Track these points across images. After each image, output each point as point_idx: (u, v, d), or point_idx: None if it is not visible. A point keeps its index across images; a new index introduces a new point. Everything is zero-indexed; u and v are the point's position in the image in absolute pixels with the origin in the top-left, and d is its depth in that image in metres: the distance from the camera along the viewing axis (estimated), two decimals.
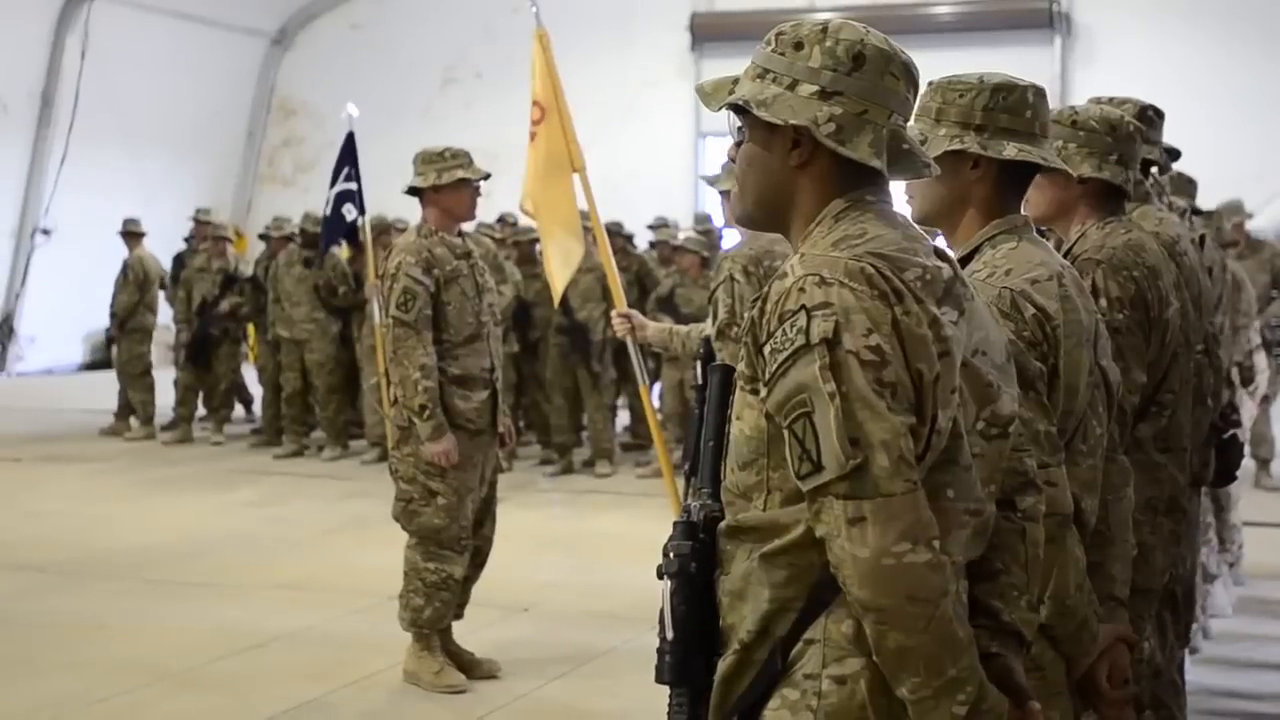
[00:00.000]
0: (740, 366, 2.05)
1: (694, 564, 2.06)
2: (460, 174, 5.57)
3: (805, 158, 2.07)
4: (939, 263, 2.05)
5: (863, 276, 1.94)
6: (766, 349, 1.96)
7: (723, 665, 2.05)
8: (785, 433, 1.94)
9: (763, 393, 1.98)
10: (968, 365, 2.06)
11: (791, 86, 2.05)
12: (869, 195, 2.08)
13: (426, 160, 5.62)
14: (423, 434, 5.42)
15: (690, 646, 2.06)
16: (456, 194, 5.61)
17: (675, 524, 2.10)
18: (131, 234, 12.79)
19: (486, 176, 5.67)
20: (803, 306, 1.93)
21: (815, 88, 2.04)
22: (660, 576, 2.08)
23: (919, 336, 1.95)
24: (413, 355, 5.42)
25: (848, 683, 1.96)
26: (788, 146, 2.08)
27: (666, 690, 2.11)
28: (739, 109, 2.11)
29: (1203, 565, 6.21)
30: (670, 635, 2.06)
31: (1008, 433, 2.15)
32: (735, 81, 2.11)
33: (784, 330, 1.94)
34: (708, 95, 2.13)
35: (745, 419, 2.03)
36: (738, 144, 2.15)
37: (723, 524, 2.07)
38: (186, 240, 13.89)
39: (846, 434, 1.88)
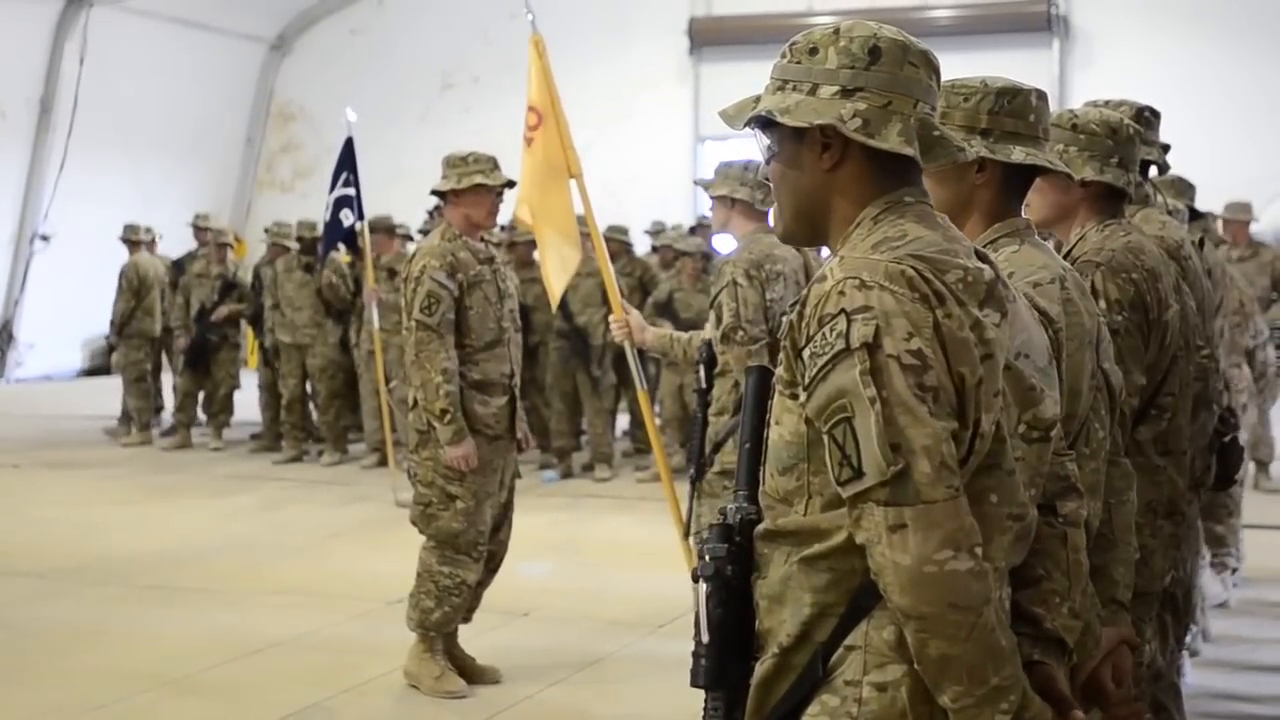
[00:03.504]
0: (779, 371, 2.03)
1: (730, 567, 2.04)
2: (478, 179, 5.56)
3: (836, 159, 2.06)
4: (980, 264, 2.03)
5: (903, 279, 1.92)
6: (806, 353, 1.94)
7: (760, 669, 2.03)
8: (825, 438, 1.92)
9: (802, 397, 1.96)
10: (1010, 368, 2.03)
11: (812, 91, 2.04)
12: (907, 196, 2.06)
13: (450, 164, 5.61)
14: (442, 438, 5.41)
15: (726, 650, 2.04)
16: (475, 199, 5.59)
17: (711, 526, 2.08)
18: (132, 241, 12.79)
19: (510, 184, 5.65)
20: (842, 310, 1.91)
21: (836, 88, 2.03)
22: (695, 579, 2.06)
23: (961, 340, 1.93)
24: (435, 359, 5.41)
25: (889, 690, 1.93)
26: (818, 151, 2.06)
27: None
28: (765, 124, 2.10)
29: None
30: (705, 638, 2.04)
31: (1049, 436, 2.12)
32: (757, 100, 2.10)
33: (824, 334, 1.92)
34: (732, 117, 2.12)
35: (784, 424, 2.01)
36: (768, 162, 2.14)
37: (760, 527, 2.05)
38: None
39: (888, 440, 1.86)
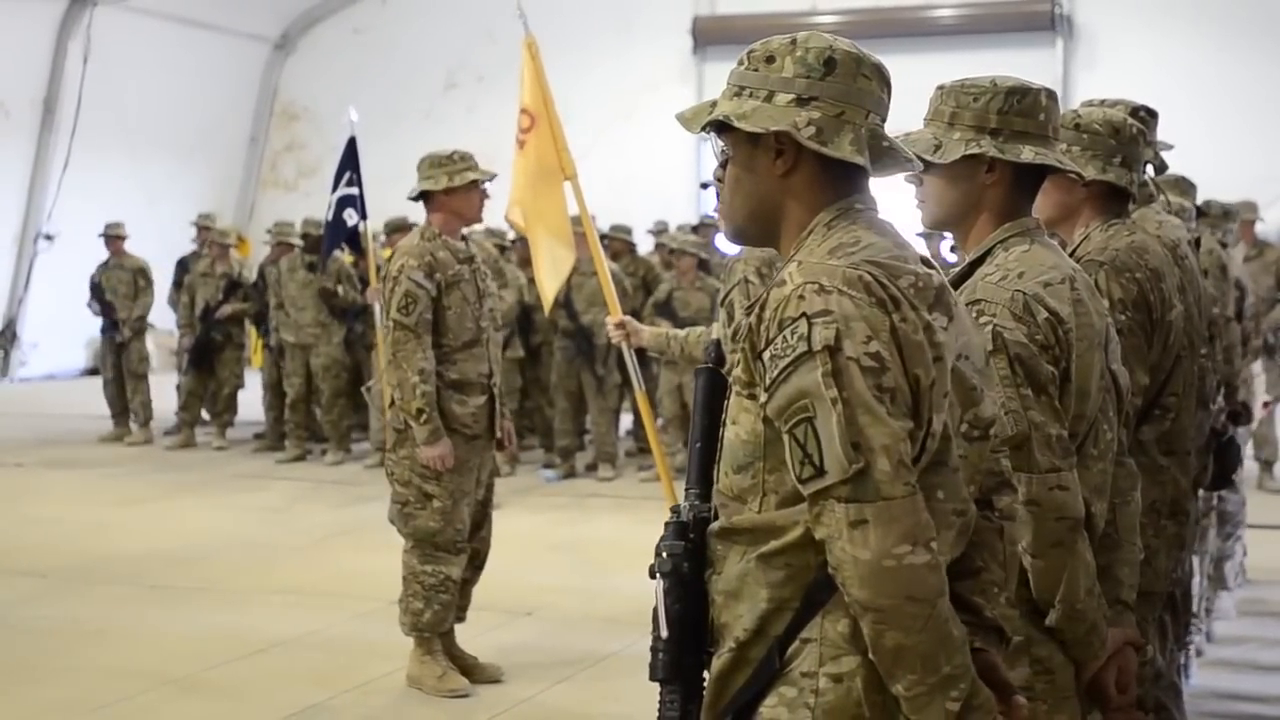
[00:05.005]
0: (736, 372, 2.07)
1: (686, 563, 2.10)
2: (472, 175, 5.60)
3: (790, 165, 2.11)
4: (928, 270, 2.10)
5: (861, 284, 1.98)
6: (766, 355, 1.99)
7: (717, 663, 2.09)
8: (786, 437, 1.97)
9: (762, 398, 2.01)
10: (954, 369, 2.10)
11: (768, 98, 2.10)
12: (858, 203, 2.12)
13: (435, 164, 5.62)
14: (419, 438, 5.43)
15: (684, 645, 2.10)
16: (467, 196, 5.64)
17: (666, 524, 2.14)
18: (120, 238, 12.79)
19: (493, 176, 5.71)
20: (803, 314, 1.96)
21: (791, 96, 2.09)
22: (652, 576, 2.11)
23: (916, 343, 2.00)
24: (412, 359, 5.43)
25: (844, 680, 1.99)
26: (772, 157, 2.12)
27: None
28: (720, 129, 2.15)
29: (1220, 574, 6.23)
30: (664, 633, 2.09)
31: (988, 434, 2.19)
32: (713, 104, 2.15)
33: (784, 337, 1.97)
34: (688, 120, 2.17)
35: (741, 423, 2.06)
36: (722, 165, 2.19)
37: (714, 525, 2.10)
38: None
39: (849, 439, 1.92)
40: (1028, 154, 2.57)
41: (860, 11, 17.56)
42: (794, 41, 2.11)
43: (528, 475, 10.72)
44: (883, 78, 2.13)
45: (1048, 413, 2.49)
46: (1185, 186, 5.84)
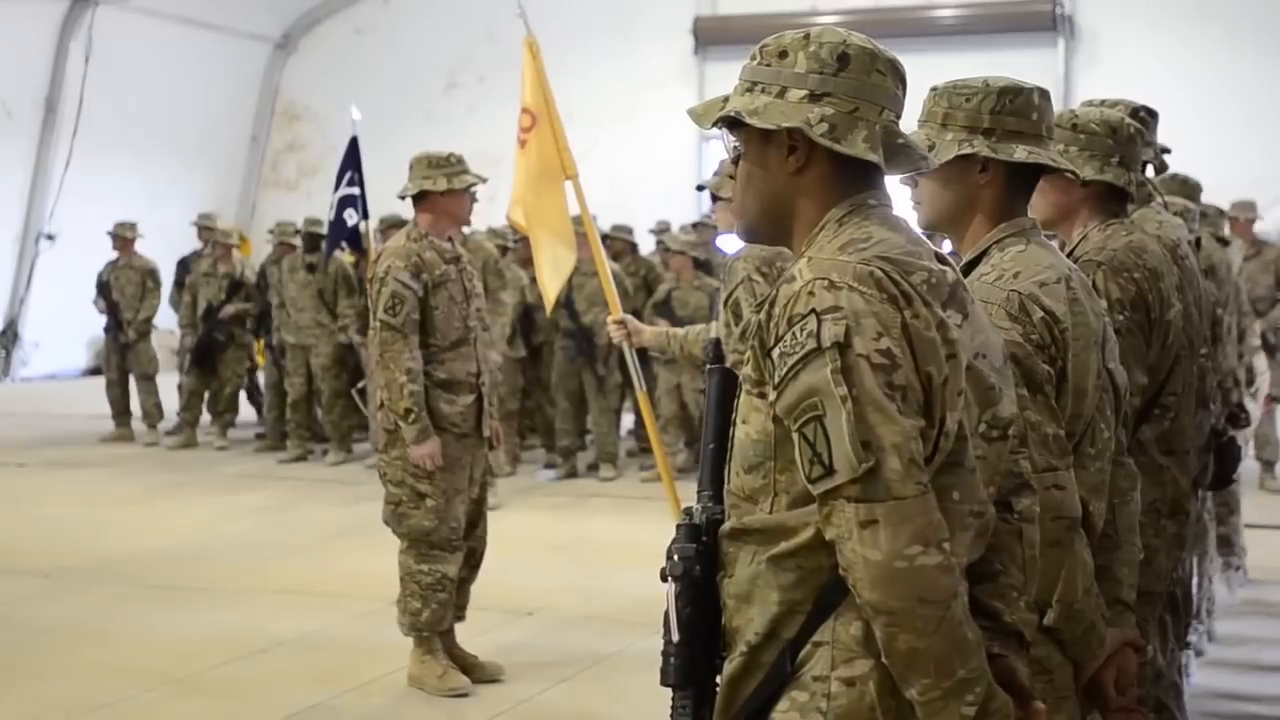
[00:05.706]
0: (746, 370, 2.05)
1: (698, 566, 2.07)
2: (470, 179, 5.64)
3: (802, 162, 2.08)
4: (942, 267, 2.07)
5: (872, 280, 1.95)
6: (775, 352, 1.97)
7: (729, 667, 2.06)
8: (795, 436, 1.94)
9: (771, 396, 1.98)
10: (971, 368, 2.07)
11: (781, 94, 2.07)
12: (871, 199, 2.09)
13: (434, 164, 5.63)
14: (408, 437, 5.45)
15: (695, 648, 2.07)
16: (461, 199, 5.68)
17: (679, 526, 2.11)
18: (130, 239, 12.80)
19: (486, 180, 5.76)
20: (813, 310, 1.93)
21: (804, 91, 2.06)
22: (664, 579, 2.09)
23: (928, 340, 1.97)
24: (399, 359, 5.45)
25: (857, 684, 1.96)
26: (784, 153, 2.09)
27: (670, 693, 2.11)
28: (733, 124, 2.13)
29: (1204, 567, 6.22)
30: (675, 637, 2.07)
31: (1007, 435, 2.16)
32: (726, 100, 2.13)
33: (794, 334, 1.94)
34: (700, 116, 2.15)
35: (751, 422, 2.03)
36: (734, 161, 2.17)
37: (725, 526, 2.08)
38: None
39: (859, 437, 1.89)
40: (1020, 153, 2.57)
41: (861, 12, 17.55)
42: (807, 36, 2.08)
43: (528, 475, 10.72)
44: (897, 73, 2.10)
45: (1044, 412, 2.48)
46: (1189, 187, 5.84)
